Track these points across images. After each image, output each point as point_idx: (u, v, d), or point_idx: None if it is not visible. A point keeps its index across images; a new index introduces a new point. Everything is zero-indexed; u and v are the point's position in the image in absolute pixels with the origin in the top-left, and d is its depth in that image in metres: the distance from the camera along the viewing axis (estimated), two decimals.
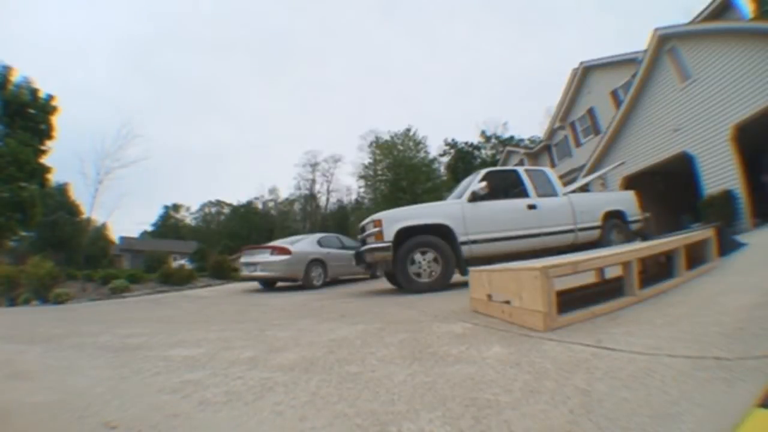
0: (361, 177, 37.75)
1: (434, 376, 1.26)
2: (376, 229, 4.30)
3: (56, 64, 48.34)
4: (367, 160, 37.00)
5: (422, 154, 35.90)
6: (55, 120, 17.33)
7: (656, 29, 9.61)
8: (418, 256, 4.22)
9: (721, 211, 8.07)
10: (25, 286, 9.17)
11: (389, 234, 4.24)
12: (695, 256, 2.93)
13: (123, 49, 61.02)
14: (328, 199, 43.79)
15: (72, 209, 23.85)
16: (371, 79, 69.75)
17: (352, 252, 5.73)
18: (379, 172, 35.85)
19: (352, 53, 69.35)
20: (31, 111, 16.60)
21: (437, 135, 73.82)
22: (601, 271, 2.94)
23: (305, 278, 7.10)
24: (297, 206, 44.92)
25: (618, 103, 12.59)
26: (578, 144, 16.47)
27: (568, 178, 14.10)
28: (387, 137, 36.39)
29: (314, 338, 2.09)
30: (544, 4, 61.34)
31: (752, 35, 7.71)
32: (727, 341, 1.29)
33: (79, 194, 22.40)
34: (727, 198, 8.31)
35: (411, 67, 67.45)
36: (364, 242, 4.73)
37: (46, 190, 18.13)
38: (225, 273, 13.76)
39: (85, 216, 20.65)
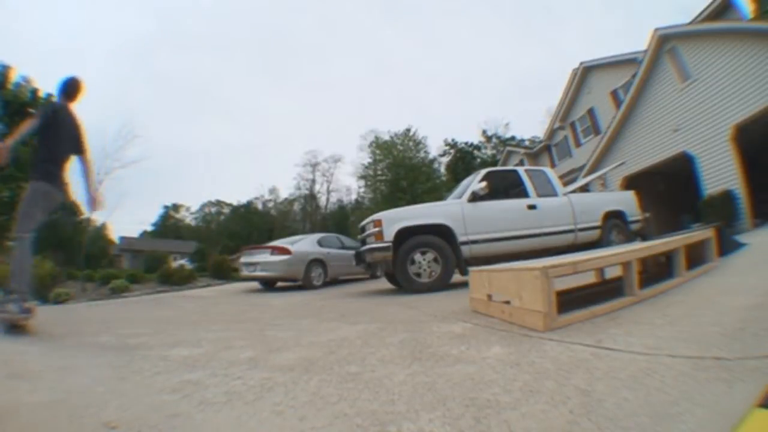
0: (361, 177, 37.79)
1: (434, 376, 1.26)
2: (376, 229, 4.30)
3: (56, 63, 48.34)
4: (367, 160, 37.03)
5: (422, 154, 35.90)
6: None
7: (656, 29, 9.61)
8: (418, 256, 4.22)
9: (721, 211, 8.08)
10: None
11: (389, 234, 4.24)
12: (695, 257, 2.93)
13: (123, 48, 61.13)
14: (328, 199, 43.81)
15: (72, 209, 23.83)
16: (372, 78, 69.88)
17: (352, 252, 5.73)
18: (379, 172, 35.85)
19: (353, 52, 69.47)
20: (31, 110, 16.60)
21: (437, 135, 73.89)
22: (601, 271, 2.94)
23: (305, 278, 7.10)
24: (297, 206, 44.90)
25: (618, 103, 12.59)
26: (578, 144, 16.47)
27: (568, 178, 14.10)
28: (387, 137, 36.40)
29: (314, 338, 2.08)
30: (545, 4, 61.44)
31: (752, 35, 7.71)
32: (727, 341, 1.29)
33: (79, 194, 22.32)
34: (727, 198, 8.32)
35: (411, 67, 67.63)
36: (364, 242, 4.73)
37: None
38: (225, 273, 13.75)
39: (85, 216, 20.65)
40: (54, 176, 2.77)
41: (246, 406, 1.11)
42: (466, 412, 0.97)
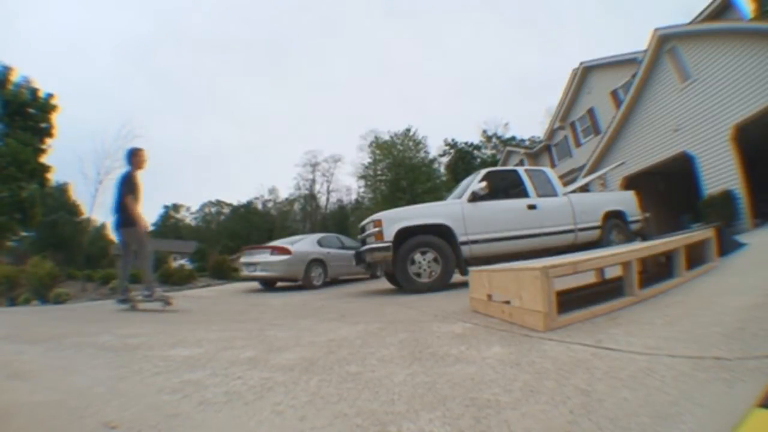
0: (361, 177, 37.74)
1: (434, 376, 1.26)
2: (376, 229, 4.30)
3: (56, 63, 48.34)
4: (367, 160, 37.00)
5: (422, 154, 35.88)
6: (55, 119, 17.36)
7: (656, 29, 9.60)
8: (418, 256, 4.21)
9: (721, 211, 8.08)
10: (25, 286, 9.17)
11: (389, 234, 4.24)
12: (695, 257, 2.93)
13: (124, 48, 61.16)
14: (328, 199, 43.84)
15: (72, 209, 23.86)
16: (372, 78, 69.92)
17: (352, 252, 5.73)
18: (379, 172, 35.81)
19: (354, 52, 69.52)
20: (31, 110, 16.61)
21: (437, 135, 73.93)
22: (601, 271, 2.94)
23: (305, 278, 7.10)
24: (297, 206, 44.91)
25: (618, 103, 12.58)
26: (578, 144, 16.47)
27: (568, 178, 14.10)
28: (387, 137, 36.39)
29: (314, 338, 2.08)
30: (545, 4, 61.47)
31: (752, 35, 7.71)
32: (727, 341, 1.29)
33: (79, 194, 22.35)
34: (727, 198, 8.31)
35: (412, 67, 67.68)
36: (364, 242, 4.73)
37: (46, 190, 18.14)
38: (225, 273, 13.76)
39: (85, 216, 20.66)
40: (115, 223, 4.29)
41: (246, 406, 1.11)
42: (466, 412, 0.97)
